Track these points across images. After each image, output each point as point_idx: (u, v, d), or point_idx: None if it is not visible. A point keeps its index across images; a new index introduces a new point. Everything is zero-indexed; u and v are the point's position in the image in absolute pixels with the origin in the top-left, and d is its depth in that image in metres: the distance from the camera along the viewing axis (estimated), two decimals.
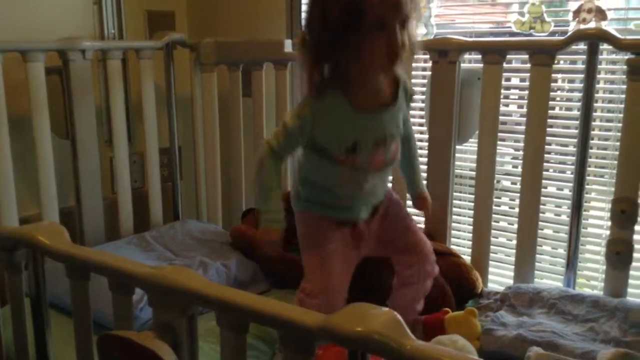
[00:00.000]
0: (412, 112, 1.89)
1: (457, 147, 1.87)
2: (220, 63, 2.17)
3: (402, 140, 1.41)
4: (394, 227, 1.47)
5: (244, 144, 2.20)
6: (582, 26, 1.62)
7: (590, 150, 1.67)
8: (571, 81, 1.82)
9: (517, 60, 1.89)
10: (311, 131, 1.30)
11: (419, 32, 1.99)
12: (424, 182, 1.57)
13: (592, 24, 1.61)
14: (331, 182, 1.37)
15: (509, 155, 2.00)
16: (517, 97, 1.94)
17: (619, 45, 1.50)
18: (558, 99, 1.83)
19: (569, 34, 1.58)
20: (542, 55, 1.59)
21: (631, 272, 1.60)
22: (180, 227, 2.11)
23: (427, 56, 1.82)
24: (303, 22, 1.31)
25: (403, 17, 1.21)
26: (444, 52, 1.74)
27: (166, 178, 2.30)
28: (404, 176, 1.55)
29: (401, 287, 1.49)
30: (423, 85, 2.00)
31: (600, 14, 1.59)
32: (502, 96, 1.73)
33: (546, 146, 1.68)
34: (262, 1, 2.31)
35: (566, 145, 1.83)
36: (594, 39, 1.53)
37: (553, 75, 1.64)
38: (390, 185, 1.66)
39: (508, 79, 1.92)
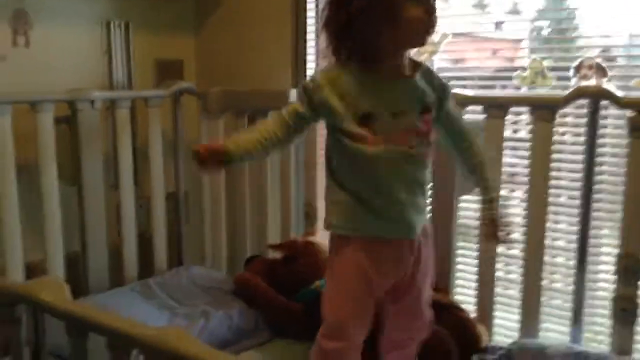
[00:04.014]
0: None
1: (465, 197, 1.87)
2: (227, 111, 2.20)
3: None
4: (421, 278, 1.30)
5: (249, 190, 2.21)
6: (583, 82, 1.62)
7: (598, 204, 1.65)
8: (576, 134, 1.82)
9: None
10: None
11: None
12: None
13: (592, 81, 1.61)
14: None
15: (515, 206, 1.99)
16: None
17: (619, 103, 1.51)
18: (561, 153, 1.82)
19: (569, 90, 1.59)
20: (544, 111, 1.60)
21: (639, 329, 1.58)
22: (184, 273, 2.11)
23: None
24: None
25: None
26: None
27: (171, 222, 2.30)
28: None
29: (392, 349, 1.39)
30: None
31: (601, 71, 1.59)
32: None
33: (551, 198, 1.67)
34: (268, 52, 2.35)
35: (573, 198, 1.81)
36: (595, 97, 1.54)
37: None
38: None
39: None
